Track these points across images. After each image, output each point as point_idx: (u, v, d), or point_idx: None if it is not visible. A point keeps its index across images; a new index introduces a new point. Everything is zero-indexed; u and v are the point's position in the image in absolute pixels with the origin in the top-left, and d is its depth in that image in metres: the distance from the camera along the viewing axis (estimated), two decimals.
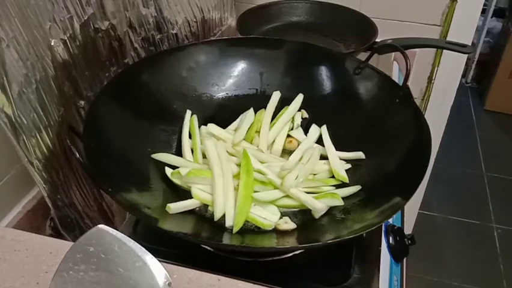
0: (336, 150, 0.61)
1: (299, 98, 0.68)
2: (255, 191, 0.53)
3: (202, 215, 0.53)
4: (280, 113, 0.66)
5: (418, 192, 0.60)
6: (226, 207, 0.51)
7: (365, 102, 0.65)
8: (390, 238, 0.59)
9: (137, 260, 0.38)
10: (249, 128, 0.64)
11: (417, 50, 0.98)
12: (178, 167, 0.57)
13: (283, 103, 0.68)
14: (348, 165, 0.60)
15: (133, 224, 0.58)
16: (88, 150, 0.50)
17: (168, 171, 0.57)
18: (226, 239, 0.49)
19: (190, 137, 0.63)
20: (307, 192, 0.55)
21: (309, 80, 0.70)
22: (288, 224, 0.51)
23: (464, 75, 2.52)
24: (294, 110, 0.67)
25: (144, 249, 0.39)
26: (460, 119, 2.26)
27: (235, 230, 0.49)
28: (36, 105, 0.52)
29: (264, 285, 0.43)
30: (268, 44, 0.73)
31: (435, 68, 1.07)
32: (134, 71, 0.64)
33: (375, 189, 0.55)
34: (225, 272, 0.45)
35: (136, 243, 0.39)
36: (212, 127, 0.64)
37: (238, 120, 0.67)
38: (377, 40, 0.87)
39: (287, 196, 0.54)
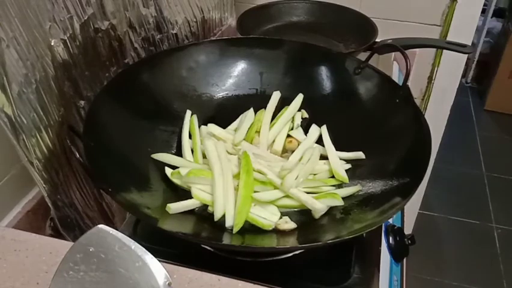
0: (336, 150, 0.61)
1: (299, 98, 0.68)
2: (255, 191, 0.53)
3: (202, 215, 0.53)
4: (280, 113, 0.66)
5: (418, 192, 0.60)
6: (226, 207, 0.51)
7: (365, 102, 0.65)
8: (390, 238, 0.59)
9: (137, 260, 0.38)
10: (249, 128, 0.64)
11: (417, 50, 0.98)
12: (178, 167, 0.57)
13: (283, 103, 0.68)
14: (348, 165, 0.60)
15: (133, 224, 0.58)
16: (88, 150, 0.50)
17: (168, 171, 0.57)
18: (226, 239, 0.49)
19: (190, 137, 0.63)
20: (307, 192, 0.55)
21: (309, 80, 0.70)
22: (289, 224, 0.51)
23: (464, 75, 2.52)
24: (294, 110, 0.67)
25: (144, 249, 0.39)
26: (460, 119, 2.26)
27: (235, 230, 0.49)
28: (36, 105, 0.52)
29: (264, 285, 0.43)
30: (268, 44, 0.73)
31: (435, 68, 1.07)
32: (134, 71, 0.64)
33: (375, 189, 0.55)
34: (225, 272, 0.45)
35: (136, 243, 0.39)
36: (212, 127, 0.64)
37: (238, 120, 0.67)
38: (377, 40, 0.87)
39: (287, 196, 0.54)
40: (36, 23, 0.51)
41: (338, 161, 0.60)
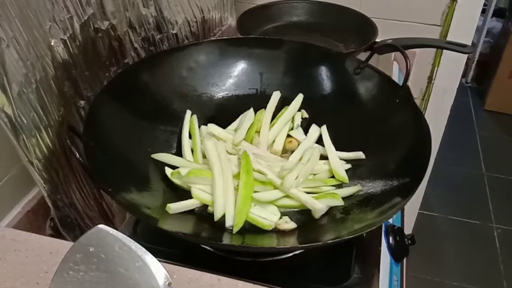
0: (336, 150, 0.61)
1: (299, 98, 0.68)
2: (255, 191, 0.53)
3: (202, 215, 0.53)
4: (280, 113, 0.66)
5: (418, 192, 0.60)
6: (226, 207, 0.51)
7: (365, 102, 0.65)
8: (390, 238, 0.59)
9: (137, 260, 0.38)
10: (249, 128, 0.64)
11: (417, 50, 0.98)
12: (178, 167, 0.57)
13: (283, 103, 0.68)
14: (348, 165, 0.60)
15: (133, 224, 0.58)
16: (88, 150, 0.50)
17: (168, 171, 0.57)
18: (226, 239, 0.49)
19: (190, 137, 0.63)
20: (307, 192, 0.55)
21: (309, 80, 0.70)
22: (289, 224, 0.51)
23: (464, 75, 2.52)
24: (294, 110, 0.67)
25: (144, 249, 0.39)
26: (460, 119, 2.26)
27: (235, 230, 0.49)
28: (36, 105, 0.52)
29: (264, 285, 0.43)
30: (268, 44, 0.73)
31: (435, 68, 1.07)
32: (134, 71, 0.64)
33: (375, 189, 0.55)
34: (225, 272, 0.45)
35: (136, 243, 0.39)
36: (212, 127, 0.64)
37: (238, 120, 0.67)
38: (377, 40, 0.87)
39: (287, 196, 0.54)
40: (36, 23, 0.51)
41: (338, 161, 0.60)
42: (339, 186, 0.58)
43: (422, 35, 0.91)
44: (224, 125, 0.65)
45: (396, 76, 0.93)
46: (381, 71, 0.65)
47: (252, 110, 0.67)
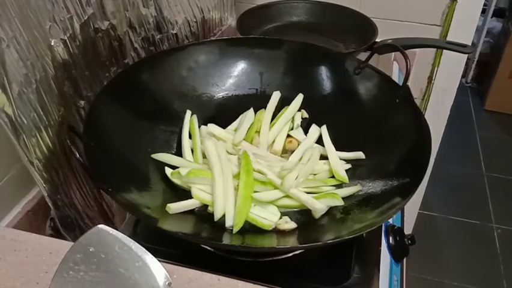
0: (336, 150, 0.61)
1: (299, 98, 0.68)
2: (255, 191, 0.53)
3: (202, 215, 0.53)
4: (280, 113, 0.66)
5: (418, 192, 0.60)
6: (226, 207, 0.51)
7: (365, 102, 0.65)
8: (390, 238, 0.59)
9: (137, 260, 0.38)
10: (249, 128, 0.64)
11: (417, 50, 0.98)
12: (178, 167, 0.57)
13: (283, 103, 0.68)
14: (348, 165, 0.60)
15: (133, 224, 0.58)
16: (88, 150, 0.50)
17: (168, 171, 0.57)
18: (226, 239, 0.49)
19: (190, 137, 0.63)
20: (307, 192, 0.55)
21: (309, 80, 0.70)
22: (289, 224, 0.51)
23: (464, 75, 2.52)
24: (294, 110, 0.67)
25: (144, 249, 0.39)
26: (460, 119, 2.26)
27: (235, 230, 0.49)
28: (36, 105, 0.52)
29: (264, 285, 0.43)
30: (268, 44, 0.73)
31: (435, 68, 1.07)
32: (134, 71, 0.64)
33: (375, 189, 0.55)
34: (225, 272, 0.45)
35: (136, 243, 0.39)
36: (212, 127, 0.64)
37: (238, 120, 0.67)
38: (377, 40, 0.87)
39: (287, 196, 0.54)
40: (36, 23, 0.51)
41: (338, 161, 0.60)
42: (339, 186, 0.58)
43: (422, 35, 0.91)
44: (224, 125, 0.65)
45: (396, 76, 0.93)
46: (381, 71, 0.65)
47: (252, 110, 0.67)
